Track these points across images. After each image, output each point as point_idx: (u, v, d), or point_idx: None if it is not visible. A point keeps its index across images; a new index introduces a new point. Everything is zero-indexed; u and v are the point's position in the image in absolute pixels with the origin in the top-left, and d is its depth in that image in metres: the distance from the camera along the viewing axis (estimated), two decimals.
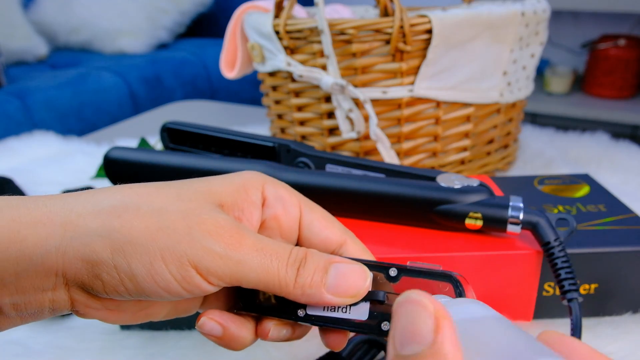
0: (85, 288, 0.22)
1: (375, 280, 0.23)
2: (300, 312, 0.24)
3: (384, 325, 0.22)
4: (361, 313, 0.23)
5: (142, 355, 0.36)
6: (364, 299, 0.23)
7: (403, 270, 0.23)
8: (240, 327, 0.24)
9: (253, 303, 0.25)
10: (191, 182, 0.25)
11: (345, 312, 0.23)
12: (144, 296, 0.22)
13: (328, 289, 0.22)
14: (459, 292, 0.22)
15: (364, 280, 0.23)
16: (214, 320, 0.24)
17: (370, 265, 0.24)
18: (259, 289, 0.23)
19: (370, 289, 0.23)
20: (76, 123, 1.34)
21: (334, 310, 0.23)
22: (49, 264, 0.21)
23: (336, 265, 0.23)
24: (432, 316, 0.15)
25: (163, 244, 0.21)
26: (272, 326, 0.24)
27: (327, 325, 0.23)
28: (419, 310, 0.16)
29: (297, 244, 0.27)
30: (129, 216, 0.21)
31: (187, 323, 0.38)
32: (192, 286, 0.22)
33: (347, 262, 0.23)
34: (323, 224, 0.27)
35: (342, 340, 0.25)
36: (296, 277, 0.22)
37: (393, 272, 0.23)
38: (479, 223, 0.35)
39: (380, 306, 0.23)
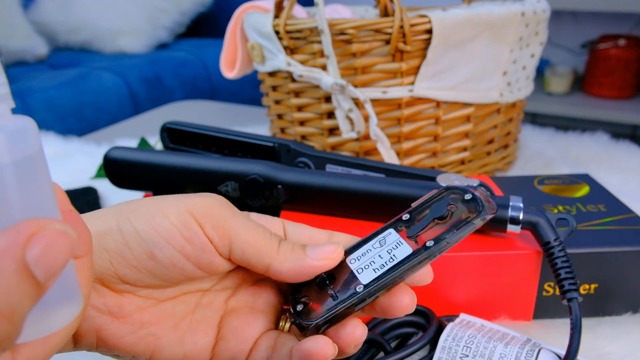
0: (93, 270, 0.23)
1: (395, 229, 0.26)
2: (358, 288, 0.24)
3: (429, 242, 0.24)
4: (403, 251, 0.24)
5: None
6: (397, 232, 0.25)
7: (412, 211, 0.26)
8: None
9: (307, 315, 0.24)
10: None
11: (391, 259, 0.24)
12: (149, 259, 0.23)
13: (308, 254, 0.25)
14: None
15: (337, 245, 0.25)
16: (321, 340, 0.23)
17: (384, 226, 0.26)
18: (248, 253, 0.24)
19: (343, 254, 0.25)
20: (76, 123, 1.34)
21: (379, 266, 0.24)
22: None
23: (311, 245, 0.25)
24: None
25: (164, 203, 0.24)
26: (350, 325, 0.24)
27: (387, 281, 0.23)
28: None
29: None
30: (137, 201, 0.25)
31: None
32: (190, 232, 0.24)
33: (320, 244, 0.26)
34: (308, 229, 0.28)
35: (428, 273, 0.25)
36: (278, 247, 0.25)
37: (406, 216, 0.26)
38: None
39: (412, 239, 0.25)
